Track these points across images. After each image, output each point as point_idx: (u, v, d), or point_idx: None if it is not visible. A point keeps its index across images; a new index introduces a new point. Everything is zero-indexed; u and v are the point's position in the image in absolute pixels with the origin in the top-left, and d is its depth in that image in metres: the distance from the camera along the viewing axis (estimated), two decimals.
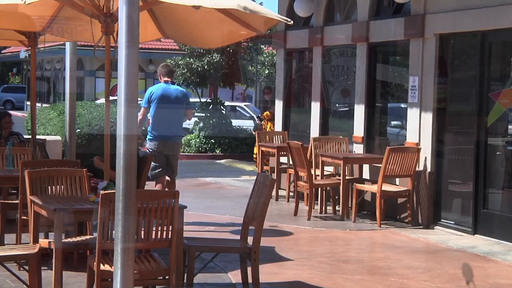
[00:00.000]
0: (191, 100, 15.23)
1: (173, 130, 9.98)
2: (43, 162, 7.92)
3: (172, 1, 6.25)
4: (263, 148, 13.22)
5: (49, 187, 6.83)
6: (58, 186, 6.87)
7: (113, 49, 6.97)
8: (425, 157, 10.35)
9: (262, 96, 38.34)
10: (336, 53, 12.95)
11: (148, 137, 10.04)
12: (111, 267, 5.37)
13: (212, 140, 21.86)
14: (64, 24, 8.27)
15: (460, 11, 9.76)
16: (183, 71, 23.45)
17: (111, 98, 7.43)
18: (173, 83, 10.22)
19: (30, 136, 9.90)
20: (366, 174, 11.44)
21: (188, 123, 22.17)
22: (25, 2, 6.00)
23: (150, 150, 9.74)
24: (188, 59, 23.82)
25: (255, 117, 14.31)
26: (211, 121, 22.25)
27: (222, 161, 21.04)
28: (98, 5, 6.94)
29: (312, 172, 11.06)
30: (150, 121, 10.04)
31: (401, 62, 11.50)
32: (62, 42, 9.45)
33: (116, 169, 4.15)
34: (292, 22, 7.43)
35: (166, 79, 10.09)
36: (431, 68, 10.23)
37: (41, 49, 10.05)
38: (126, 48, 3.98)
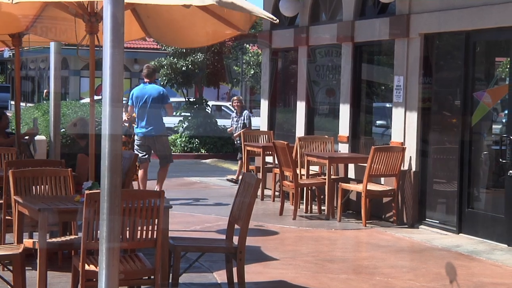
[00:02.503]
0: (176, 99, 15.35)
1: (149, 125, 11.46)
2: (28, 162, 7.90)
3: (157, 2, 6.25)
4: (248, 148, 13.22)
5: (33, 187, 6.81)
6: (42, 186, 6.85)
7: (97, 48, 6.96)
8: (410, 157, 10.39)
9: (248, 96, 38.20)
10: (321, 53, 12.97)
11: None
12: (96, 267, 5.35)
13: (197, 140, 21.84)
14: (48, 23, 8.25)
15: (444, 11, 9.80)
16: (168, 71, 23.42)
17: (95, 97, 7.41)
18: (150, 83, 11.64)
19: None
20: (351, 174, 11.47)
21: (173, 123, 22.15)
22: (12, 2, 5.98)
23: (136, 143, 11.48)
24: (171, 58, 23.78)
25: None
26: (196, 121, 22.23)
27: (208, 160, 21.03)
28: (82, 4, 6.92)
29: (298, 171, 11.07)
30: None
31: (386, 61, 11.54)
32: (46, 42, 9.40)
33: (101, 169, 4.14)
34: (277, 20, 7.44)
35: (145, 80, 11.69)
36: (416, 68, 10.27)
37: (25, 48, 10.03)
38: (111, 47, 3.97)
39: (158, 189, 11.41)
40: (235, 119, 15.27)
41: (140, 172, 11.49)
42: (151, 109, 11.41)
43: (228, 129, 14.73)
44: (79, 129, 8.88)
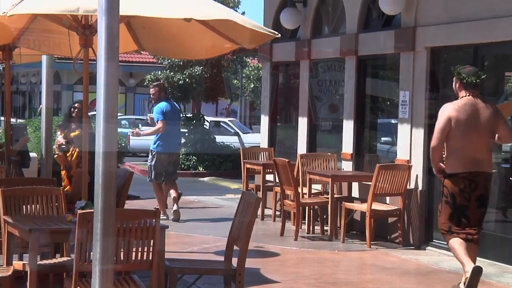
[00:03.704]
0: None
1: (179, 141, 13.16)
2: (18, 180, 7.89)
3: (154, 14, 6.27)
4: (248, 165, 13.22)
5: (24, 206, 6.79)
6: (33, 205, 6.84)
7: (92, 62, 6.97)
8: (416, 175, 10.39)
9: (248, 111, 38.20)
10: (324, 67, 13.00)
11: None
12: None
13: (195, 157, 21.83)
14: (41, 36, 8.27)
15: (452, 24, 9.83)
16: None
17: (90, 113, 7.41)
18: (168, 99, 12.64)
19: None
20: (355, 193, 11.46)
21: None
22: (6, 14, 5.99)
23: (165, 160, 12.27)
24: (168, 72, 23.80)
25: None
26: (193, 137, 22.23)
27: (205, 178, 21.01)
28: (76, 17, 6.94)
29: (299, 190, 11.06)
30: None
31: (391, 76, 11.55)
32: (38, 55, 9.41)
33: (95, 188, 4.14)
34: (279, 35, 7.46)
35: (162, 95, 12.43)
36: (422, 83, 10.29)
37: (16, 63, 10.06)
38: (106, 61, 3.98)
39: (174, 206, 12.23)
40: None
41: (173, 192, 12.26)
42: (180, 126, 12.95)
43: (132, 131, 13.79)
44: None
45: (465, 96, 7.58)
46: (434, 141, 7.52)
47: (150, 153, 12.42)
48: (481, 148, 7.52)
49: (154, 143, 12.28)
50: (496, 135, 7.63)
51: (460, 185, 7.48)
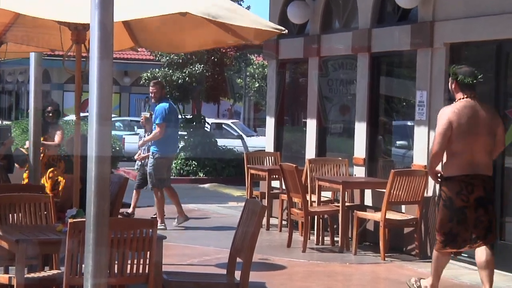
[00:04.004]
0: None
1: (177, 144, 13.79)
2: (4, 187, 7.90)
3: (149, 14, 6.29)
4: (252, 171, 13.23)
5: (10, 215, 6.80)
6: (20, 214, 6.85)
7: (84, 59, 6.99)
8: None
9: (252, 113, 38.19)
10: (334, 65, 13.00)
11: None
12: None
13: (195, 162, 21.84)
14: (30, 31, 8.28)
15: (473, 18, 9.82)
16: None
17: (81, 114, 7.42)
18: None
19: None
20: (368, 201, 11.46)
21: None
22: None
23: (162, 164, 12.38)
24: (166, 70, 23.80)
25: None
26: (193, 141, 22.24)
27: (206, 185, 21.02)
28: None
29: (308, 198, 11.06)
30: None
31: (407, 74, 11.55)
32: (26, 52, 9.43)
33: (87, 195, 4.15)
34: (286, 31, 7.46)
35: (162, 95, 12.64)
36: (441, 82, 10.28)
37: (1, 60, 10.08)
38: (99, 58, 3.99)
39: (179, 216, 12.62)
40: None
41: (173, 197, 12.59)
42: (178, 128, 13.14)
43: (136, 155, 13.56)
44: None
45: (463, 98, 7.84)
46: (435, 147, 7.74)
47: (149, 157, 12.46)
48: (480, 151, 7.78)
49: (155, 146, 12.39)
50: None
51: (456, 188, 7.74)
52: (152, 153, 12.42)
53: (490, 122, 7.82)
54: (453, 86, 7.94)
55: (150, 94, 12.76)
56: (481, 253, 7.73)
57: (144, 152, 13.33)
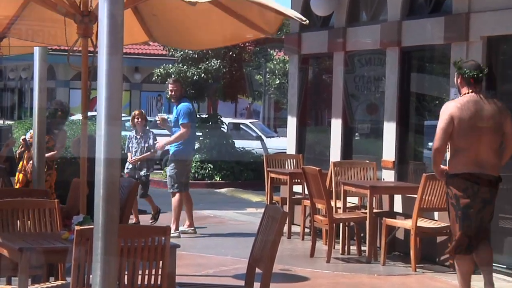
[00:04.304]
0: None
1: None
2: (6, 191, 7.94)
3: None
4: (272, 175, 13.23)
5: (12, 221, 6.84)
6: (24, 220, 6.88)
7: (91, 54, 7.02)
8: None
9: (272, 112, 38.15)
10: (361, 60, 12.98)
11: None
12: None
13: (211, 165, 21.87)
14: (33, 25, 8.33)
15: None
16: None
17: (89, 113, 7.45)
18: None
19: None
20: (398, 207, 11.43)
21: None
22: None
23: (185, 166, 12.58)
24: (180, 66, 23.83)
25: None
26: (209, 142, 22.27)
27: (223, 190, 21.02)
28: (74, 2, 6.99)
29: (332, 204, 11.05)
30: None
31: (440, 70, 11.52)
32: (30, 47, 9.48)
33: (95, 200, 4.17)
34: (307, 21, 7.47)
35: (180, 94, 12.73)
36: None
37: (4, 55, 10.15)
38: (108, 54, 4.01)
39: (189, 223, 12.74)
40: (135, 141, 13.64)
41: (188, 203, 12.67)
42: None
43: (129, 159, 13.36)
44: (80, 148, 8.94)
45: (468, 92, 8.11)
46: (436, 143, 8.08)
47: (170, 158, 12.63)
48: (486, 149, 8.03)
49: (175, 146, 12.53)
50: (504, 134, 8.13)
51: (462, 185, 8.03)
52: (174, 155, 12.48)
53: (497, 118, 8.05)
54: (458, 81, 8.20)
55: (170, 93, 12.83)
56: (480, 251, 8.09)
57: (136, 154, 13.33)
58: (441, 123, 8.04)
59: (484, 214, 8.07)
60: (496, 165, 8.08)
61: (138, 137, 13.53)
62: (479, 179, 7.98)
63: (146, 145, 13.50)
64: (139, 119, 13.59)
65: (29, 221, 6.89)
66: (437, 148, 8.11)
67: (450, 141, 8.07)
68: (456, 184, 8.04)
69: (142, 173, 13.45)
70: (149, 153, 13.45)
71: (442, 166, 8.27)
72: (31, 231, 6.82)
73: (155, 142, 13.49)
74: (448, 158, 8.47)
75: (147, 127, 13.95)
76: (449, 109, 8.04)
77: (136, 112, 13.81)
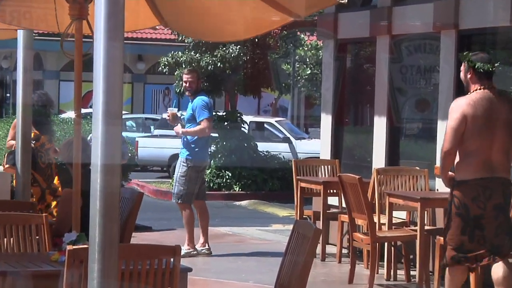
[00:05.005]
0: None
1: None
2: None
3: None
4: (303, 184, 13.22)
5: None
6: (6, 239, 6.91)
7: (86, 40, 7.05)
8: None
9: (302, 109, 38.13)
10: (409, 47, 12.96)
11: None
12: None
13: (229, 173, 21.87)
14: (18, 5, 8.36)
15: None
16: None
17: (83, 110, 7.48)
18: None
19: None
20: None
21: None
22: None
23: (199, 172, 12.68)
24: (192, 53, 23.84)
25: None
26: (227, 145, 22.28)
27: (243, 202, 21.03)
28: None
29: (375, 219, 11.04)
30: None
31: (508, 59, 11.49)
32: (13, 31, 9.53)
33: (91, 214, 4.19)
34: (345, 0, 7.48)
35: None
36: None
37: None
38: (106, 39, 4.03)
39: (203, 241, 12.75)
40: None
41: (204, 218, 12.79)
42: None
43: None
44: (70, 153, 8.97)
45: (479, 88, 8.45)
46: (446, 144, 8.38)
47: (181, 164, 12.62)
48: (498, 150, 8.40)
49: (188, 149, 12.57)
50: None
51: (473, 193, 8.37)
52: (186, 160, 12.51)
53: (510, 117, 8.43)
54: (468, 76, 8.52)
55: (184, 85, 12.86)
56: (498, 268, 8.31)
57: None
58: (452, 122, 8.32)
59: (501, 221, 8.38)
60: (509, 167, 8.42)
61: None
62: (491, 183, 8.33)
63: None
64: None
65: (11, 239, 6.92)
66: (447, 151, 8.38)
67: (460, 143, 8.36)
68: (465, 191, 8.36)
69: None
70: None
71: (450, 173, 8.57)
72: (14, 252, 6.85)
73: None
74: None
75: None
76: (461, 107, 8.35)
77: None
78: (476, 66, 8.45)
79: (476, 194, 8.33)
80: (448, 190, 11.58)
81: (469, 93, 8.52)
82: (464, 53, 8.73)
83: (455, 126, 8.32)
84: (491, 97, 8.43)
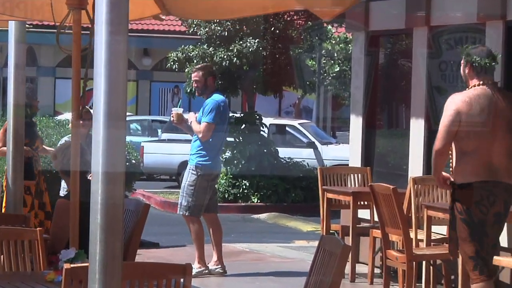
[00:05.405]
0: None
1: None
2: None
3: None
4: (330, 195, 13.23)
5: None
6: None
7: (85, 32, 7.08)
8: None
9: (329, 110, 38.17)
10: (450, 40, 12.96)
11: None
12: None
13: (246, 182, 21.88)
14: None
15: None
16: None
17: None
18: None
19: None
20: (502, 239, 11.37)
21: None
22: None
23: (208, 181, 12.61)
24: (205, 47, 23.85)
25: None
26: (244, 150, 22.29)
27: (262, 216, 21.04)
28: None
29: (412, 235, 11.04)
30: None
31: None
32: (4, 22, 9.57)
33: (90, 229, 4.21)
34: None
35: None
36: None
37: None
38: (108, 33, 4.05)
39: (216, 259, 12.69)
40: None
41: (217, 232, 12.74)
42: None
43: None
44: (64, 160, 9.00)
45: (478, 84, 8.66)
46: (438, 143, 8.62)
47: (190, 171, 12.62)
48: (500, 151, 8.61)
49: (199, 156, 12.58)
50: None
51: (476, 197, 8.61)
52: (196, 167, 12.51)
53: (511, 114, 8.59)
54: (466, 70, 8.75)
55: (195, 85, 12.83)
56: None
57: None
58: (445, 119, 8.60)
59: (498, 230, 8.70)
60: (511, 171, 8.58)
61: None
62: (495, 189, 8.50)
63: None
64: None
65: (1, 256, 6.95)
66: (438, 150, 8.63)
67: (455, 142, 8.58)
68: (467, 196, 8.54)
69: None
70: None
71: (444, 174, 8.76)
72: (4, 270, 6.87)
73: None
74: (453, 164, 8.87)
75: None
76: (455, 103, 8.61)
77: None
78: (473, 61, 8.62)
79: (480, 198, 8.51)
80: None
81: (466, 89, 8.72)
82: (463, 47, 8.99)
83: (447, 123, 8.56)
84: (490, 94, 8.60)
